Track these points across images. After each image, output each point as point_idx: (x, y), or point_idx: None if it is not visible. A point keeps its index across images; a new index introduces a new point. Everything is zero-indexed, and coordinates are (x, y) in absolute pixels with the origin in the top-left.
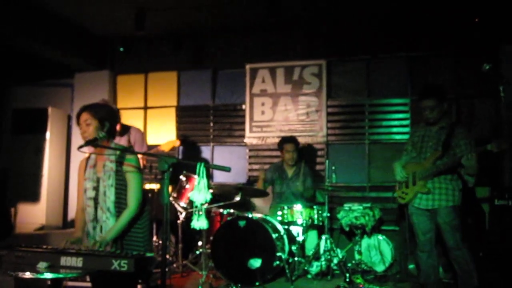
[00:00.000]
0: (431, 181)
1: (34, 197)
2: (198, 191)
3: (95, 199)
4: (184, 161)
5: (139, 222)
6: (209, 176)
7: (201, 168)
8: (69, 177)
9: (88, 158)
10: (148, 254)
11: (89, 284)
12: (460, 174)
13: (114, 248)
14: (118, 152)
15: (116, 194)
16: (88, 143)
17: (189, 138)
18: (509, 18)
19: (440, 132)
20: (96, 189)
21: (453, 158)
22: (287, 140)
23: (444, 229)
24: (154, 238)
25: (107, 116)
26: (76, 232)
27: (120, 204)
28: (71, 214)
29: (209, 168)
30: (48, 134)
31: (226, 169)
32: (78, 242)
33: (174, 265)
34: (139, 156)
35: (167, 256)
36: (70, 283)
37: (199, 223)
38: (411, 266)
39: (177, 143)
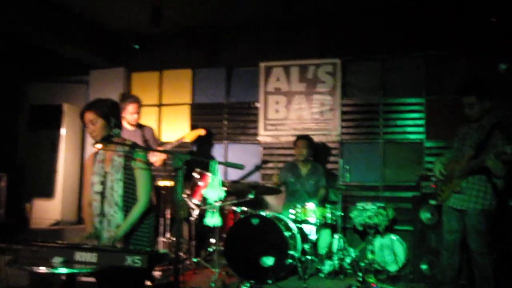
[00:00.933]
0: (465, 180)
1: (49, 192)
2: (212, 189)
3: (102, 194)
4: (198, 158)
5: (145, 220)
6: (223, 174)
7: (215, 165)
8: (84, 173)
9: (96, 153)
10: (162, 251)
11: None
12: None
13: (127, 244)
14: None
15: (124, 188)
16: (103, 140)
17: (203, 136)
18: None
19: (479, 131)
20: (103, 183)
21: (482, 159)
22: (300, 137)
23: (468, 231)
24: (168, 235)
25: (111, 111)
26: (88, 227)
27: (127, 198)
28: None
29: (223, 165)
30: (63, 130)
31: (240, 167)
32: (93, 236)
33: (187, 262)
34: (155, 153)
35: (180, 253)
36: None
37: (213, 220)
38: (424, 267)
39: (203, 132)
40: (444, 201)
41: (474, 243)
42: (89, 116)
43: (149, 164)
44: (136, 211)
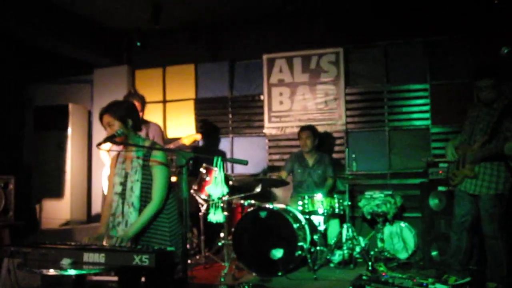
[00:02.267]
0: (478, 165)
1: (58, 193)
2: (215, 185)
3: (122, 194)
4: (202, 155)
5: (164, 214)
6: (230, 168)
7: (218, 161)
8: (91, 172)
9: (118, 154)
10: (169, 248)
11: (113, 278)
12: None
13: (134, 244)
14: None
15: (141, 189)
16: (106, 139)
17: (208, 130)
18: None
19: (492, 114)
20: (123, 184)
21: (498, 145)
22: (303, 128)
23: (482, 216)
24: None
25: (127, 113)
26: (100, 227)
27: (146, 199)
28: (95, 209)
29: (226, 161)
30: (69, 130)
31: (243, 162)
32: (100, 238)
33: (197, 257)
34: None
35: (188, 247)
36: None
37: (216, 216)
38: (434, 253)
39: (199, 137)
40: (456, 185)
41: (488, 227)
42: (107, 119)
43: (167, 163)
44: (148, 211)
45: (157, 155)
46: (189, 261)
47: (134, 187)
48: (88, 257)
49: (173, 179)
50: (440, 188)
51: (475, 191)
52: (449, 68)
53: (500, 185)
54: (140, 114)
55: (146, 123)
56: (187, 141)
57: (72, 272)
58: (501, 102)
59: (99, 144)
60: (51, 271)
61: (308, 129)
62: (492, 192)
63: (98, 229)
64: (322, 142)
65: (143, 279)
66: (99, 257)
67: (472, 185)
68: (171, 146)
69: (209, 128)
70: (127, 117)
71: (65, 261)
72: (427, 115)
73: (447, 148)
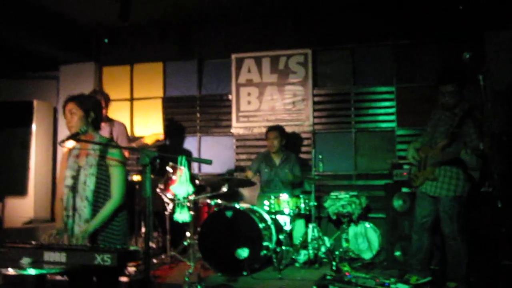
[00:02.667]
0: (439, 168)
1: (21, 190)
2: (180, 184)
3: (73, 188)
4: (166, 154)
5: (117, 217)
6: (196, 167)
7: (182, 161)
8: (56, 170)
9: (72, 149)
10: (132, 248)
11: None
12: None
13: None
14: (99, 147)
15: (96, 184)
16: (70, 137)
17: (176, 129)
18: (493, 3)
19: (453, 118)
20: (75, 178)
21: (456, 150)
22: (270, 128)
23: (442, 217)
24: (143, 230)
25: (92, 107)
26: (57, 223)
27: (98, 194)
28: None
29: (191, 161)
30: (34, 127)
31: (208, 162)
32: (61, 233)
33: (163, 256)
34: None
35: (154, 246)
36: (59, 278)
37: (182, 216)
38: (397, 253)
39: (161, 136)
40: (418, 187)
41: (447, 228)
42: (70, 106)
43: (124, 161)
44: (109, 207)
45: (114, 152)
46: (154, 261)
47: (88, 181)
48: (49, 256)
49: (138, 177)
50: (404, 190)
51: (435, 193)
52: (416, 71)
53: (459, 188)
54: (104, 111)
55: (111, 121)
56: (149, 141)
57: (32, 271)
58: (462, 107)
59: (62, 141)
60: (10, 271)
61: (276, 130)
62: (451, 194)
63: (56, 225)
64: (289, 142)
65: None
66: (60, 256)
67: (433, 187)
68: (133, 145)
69: (177, 127)
70: (91, 110)
71: (25, 260)
72: (393, 117)
73: (409, 150)
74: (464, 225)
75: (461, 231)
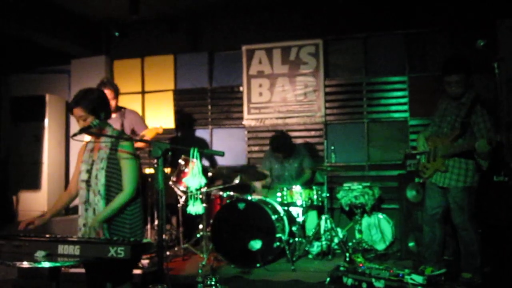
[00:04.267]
0: (448, 159)
1: (35, 184)
2: (193, 176)
3: (87, 182)
4: (178, 146)
5: (128, 209)
6: (209, 159)
7: (194, 153)
8: (69, 164)
9: (87, 143)
10: (145, 240)
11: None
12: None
13: (107, 229)
14: (112, 140)
15: (106, 177)
16: (82, 131)
17: (188, 122)
18: None
19: (460, 108)
20: (89, 172)
21: (470, 143)
22: (277, 150)
23: (452, 207)
24: (156, 223)
25: (99, 105)
26: (48, 212)
27: (110, 187)
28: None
29: (203, 153)
30: (46, 121)
31: (220, 154)
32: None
33: (176, 249)
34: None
35: (167, 239)
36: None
37: (195, 208)
38: (411, 244)
39: (160, 130)
40: (428, 178)
41: (458, 218)
42: (79, 112)
43: (135, 154)
44: (119, 199)
45: (125, 145)
46: (167, 253)
47: (99, 175)
48: (62, 249)
49: (151, 170)
50: (417, 180)
51: (444, 184)
52: (428, 60)
53: (468, 178)
54: (113, 102)
55: (121, 110)
56: (149, 135)
57: (46, 264)
58: (469, 96)
59: (74, 135)
60: (25, 264)
61: (282, 152)
62: (461, 184)
63: (46, 214)
64: (301, 134)
65: None
66: (74, 249)
67: (442, 178)
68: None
69: (188, 120)
70: (99, 109)
71: (39, 254)
72: (406, 107)
73: (419, 140)
74: (474, 215)
75: (472, 221)
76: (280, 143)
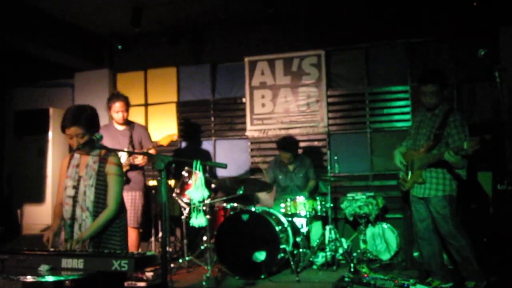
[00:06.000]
0: (425, 170)
1: (39, 198)
2: (195, 189)
3: (74, 198)
4: (180, 158)
5: (116, 222)
6: (212, 171)
7: (197, 165)
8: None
9: (71, 157)
10: (149, 253)
11: None
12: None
13: (92, 246)
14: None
15: (95, 194)
16: (86, 144)
17: (191, 133)
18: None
19: (434, 119)
20: (76, 188)
21: (441, 153)
22: (284, 148)
23: (436, 218)
24: (160, 235)
25: (94, 121)
26: (53, 226)
27: (98, 204)
28: None
29: (205, 165)
30: (50, 135)
31: (222, 166)
32: (58, 234)
33: (180, 261)
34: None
35: (171, 251)
36: None
37: (198, 220)
38: (416, 254)
39: (175, 136)
40: (407, 190)
41: (443, 228)
42: (76, 130)
43: (121, 170)
44: (104, 216)
45: (113, 161)
46: (172, 265)
47: (87, 192)
48: (66, 262)
49: (154, 182)
50: (398, 194)
51: (424, 195)
52: None
53: (447, 187)
54: (125, 114)
55: (131, 124)
56: (164, 142)
57: (50, 278)
58: (443, 108)
59: (78, 148)
60: (29, 278)
61: (288, 151)
62: (440, 194)
63: (51, 227)
64: (304, 144)
65: None
66: (78, 263)
67: (422, 189)
68: (150, 148)
69: (192, 131)
70: (93, 126)
71: (43, 268)
72: (408, 116)
73: (395, 156)
74: (459, 222)
75: (459, 228)
76: (286, 141)
